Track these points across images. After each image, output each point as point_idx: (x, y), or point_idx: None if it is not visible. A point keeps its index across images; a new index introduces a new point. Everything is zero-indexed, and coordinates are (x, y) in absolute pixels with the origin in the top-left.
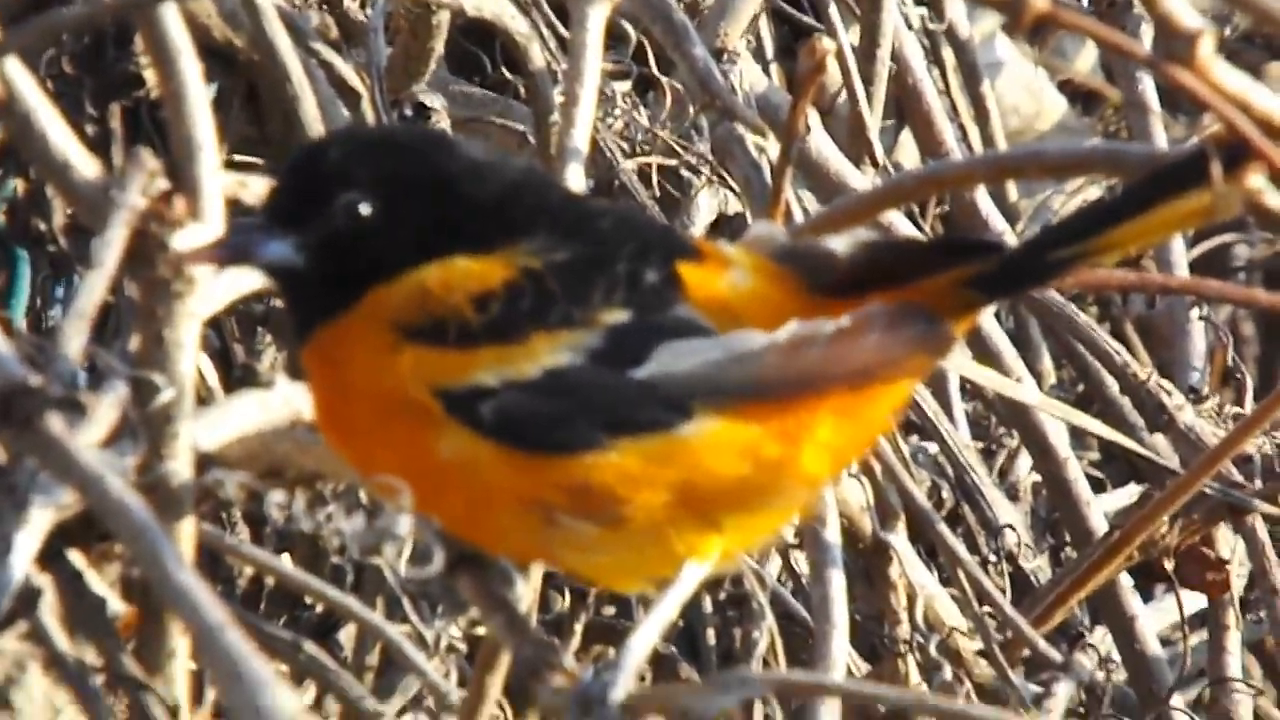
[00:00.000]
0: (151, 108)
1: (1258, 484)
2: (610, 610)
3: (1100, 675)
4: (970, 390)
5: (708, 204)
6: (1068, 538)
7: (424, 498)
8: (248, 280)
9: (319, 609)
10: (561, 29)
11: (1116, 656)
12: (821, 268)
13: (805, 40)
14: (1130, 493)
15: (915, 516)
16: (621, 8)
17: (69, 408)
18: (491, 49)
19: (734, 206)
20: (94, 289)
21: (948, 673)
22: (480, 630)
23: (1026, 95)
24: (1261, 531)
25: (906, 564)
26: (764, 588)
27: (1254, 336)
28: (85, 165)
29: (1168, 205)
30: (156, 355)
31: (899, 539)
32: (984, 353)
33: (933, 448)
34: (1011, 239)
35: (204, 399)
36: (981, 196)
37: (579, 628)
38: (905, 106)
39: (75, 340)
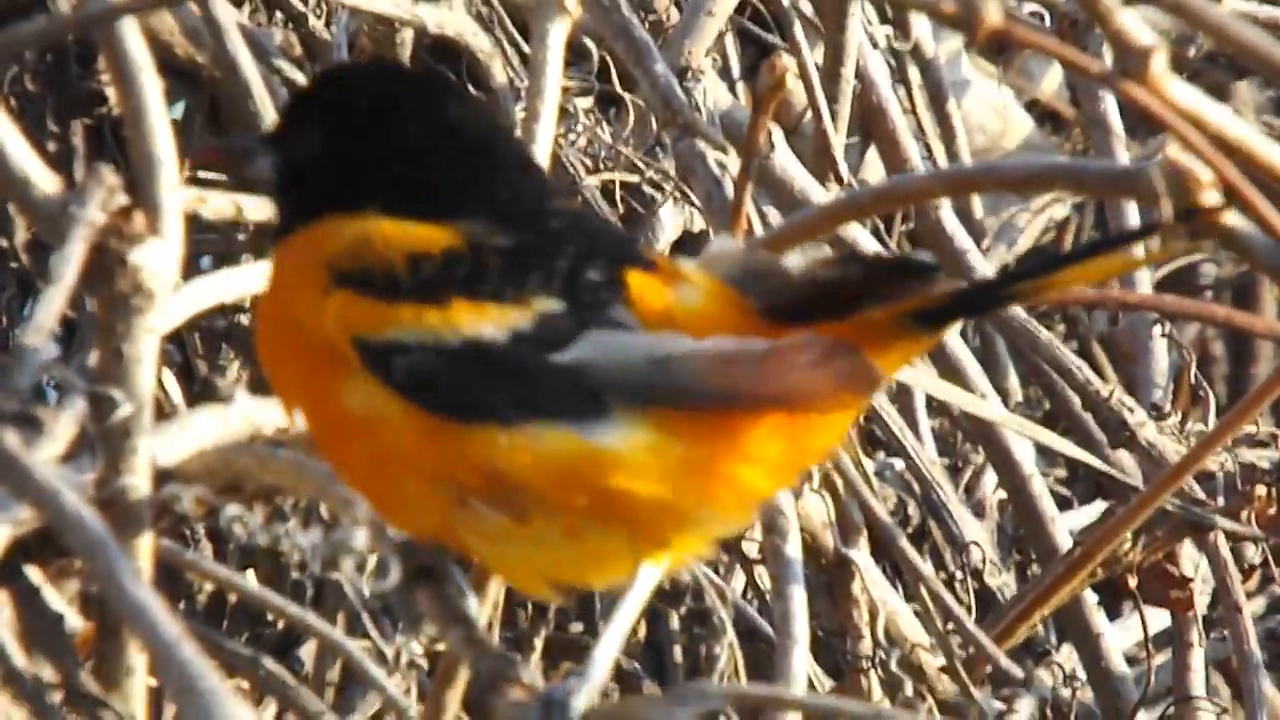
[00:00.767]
0: (114, 125)
1: (1220, 501)
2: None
3: (1064, 692)
4: (936, 407)
5: (672, 220)
6: (1033, 554)
7: (329, 447)
8: (206, 296)
9: (280, 625)
10: (525, 45)
11: (1082, 674)
12: (772, 290)
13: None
14: (1096, 510)
15: (877, 532)
16: (584, 25)
17: (25, 423)
18: (459, 66)
19: (700, 223)
20: (52, 304)
21: (910, 689)
22: (442, 646)
23: (992, 114)
24: (1224, 549)
25: (868, 580)
26: (725, 603)
27: (1223, 356)
28: (44, 181)
29: (1107, 257)
30: (115, 370)
31: (861, 554)
32: (950, 369)
33: (899, 464)
34: (977, 256)
35: (167, 414)
36: (947, 214)
37: (538, 643)
38: (870, 125)
39: (32, 355)
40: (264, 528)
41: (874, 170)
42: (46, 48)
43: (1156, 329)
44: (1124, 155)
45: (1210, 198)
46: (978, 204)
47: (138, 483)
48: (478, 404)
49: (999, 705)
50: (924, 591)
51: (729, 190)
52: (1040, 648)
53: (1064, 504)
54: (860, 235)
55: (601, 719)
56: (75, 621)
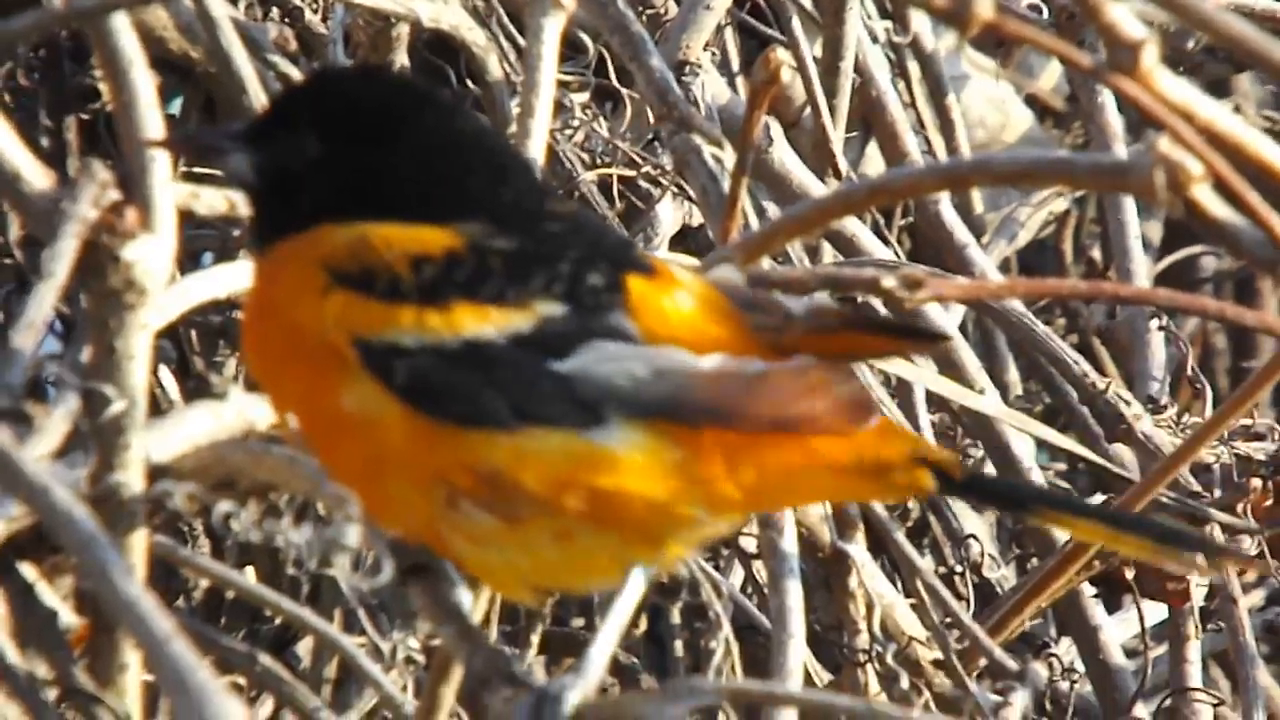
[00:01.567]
0: (108, 120)
1: (1217, 493)
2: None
3: (1060, 685)
4: (935, 401)
5: (670, 215)
6: (1032, 548)
7: (322, 447)
8: (200, 292)
9: (277, 621)
10: (521, 40)
11: (1081, 667)
12: (770, 324)
13: None
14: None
15: (874, 526)
16: (580, 19)
17: (16, 419)
18: (454, 61)
19: (698, 218)
20: (44, 300)
21: (906, 682)
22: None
23: (992, 108)
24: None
25: (865, 574)
26: (721, 597)
27: (1225, 349)
28: (36, 177)
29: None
30: (108, 367)
31: (857, 549)
32: (949, 364)
33: None
34: (976, 251)
35: (164, 410)
36: (946, 209)
37: (535, 639)
38: (870, 119)
39: (24, 351)
40: (257, 525)
41: (874, 165)
42: (39, 43)
43: (1154, 322)
44: (1121, 149)
45: (1200, 191)
46: (977, 198)
47: (131, 479)
48: (477, 407)
49: (995, 698)
50: (919, 585)
51: (725, 185)
52: (1039, 641)
53: None
54: (859, 231)
55: (595, 715)
56: (69, 618)
